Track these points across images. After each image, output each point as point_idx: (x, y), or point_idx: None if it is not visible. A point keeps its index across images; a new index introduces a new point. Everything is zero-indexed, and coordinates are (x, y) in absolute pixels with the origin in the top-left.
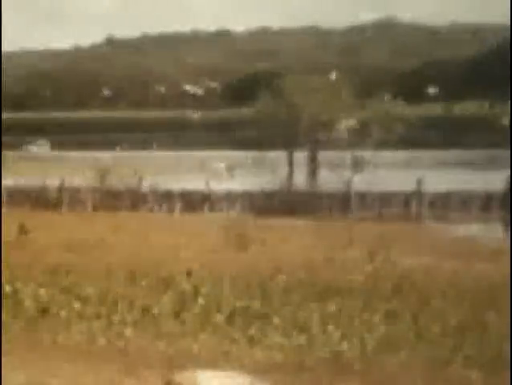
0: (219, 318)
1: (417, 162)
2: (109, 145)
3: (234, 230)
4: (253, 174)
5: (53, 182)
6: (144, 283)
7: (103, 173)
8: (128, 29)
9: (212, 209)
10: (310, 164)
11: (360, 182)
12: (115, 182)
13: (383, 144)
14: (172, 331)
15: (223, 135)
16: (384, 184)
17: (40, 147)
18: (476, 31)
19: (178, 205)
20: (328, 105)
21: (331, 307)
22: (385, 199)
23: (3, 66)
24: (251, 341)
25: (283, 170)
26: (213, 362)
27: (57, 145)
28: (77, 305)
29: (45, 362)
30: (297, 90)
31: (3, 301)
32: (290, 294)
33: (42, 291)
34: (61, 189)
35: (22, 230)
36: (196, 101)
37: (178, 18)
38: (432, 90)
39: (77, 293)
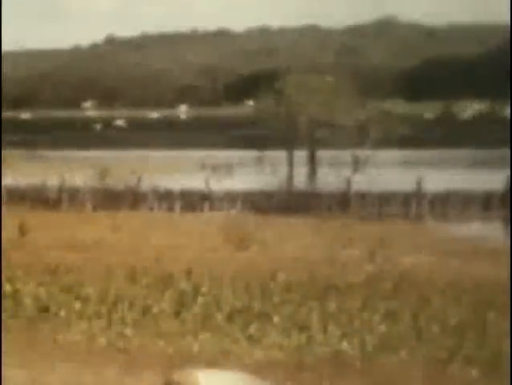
0: (219, 317)
1: (417, 161)
2: (109, 145)
3: (234, 230)
4: (253, 173)
5: (53, 182)
6: (143, 283)
7: (102, 173)
8: (128, 28)
9: (212, 209)
10: (310, 163)
11: (360, 181)
12: (115, 182)
13: (383, 144)
14: (172, 331)
15: (223, 134)
16: (383, 184)
17: None
18: (475, 31)
19: (178, 205)
20: (328, 105)
21: (331, 306)
22: (385, 198)
23: (3, 65)
24: (251, 340)
25: (283, 169)
26: (213, 362)
27: (57, 144)
28: (77, 304)
29: (45, 361)
30: (297, 89)
31: (3, 301)
32: (290, 294)
33: (42, 291)
34: (61, 189)
35: (22, 230)
36: (196, 100)
37: (178, 18)
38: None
39: (77, 293)
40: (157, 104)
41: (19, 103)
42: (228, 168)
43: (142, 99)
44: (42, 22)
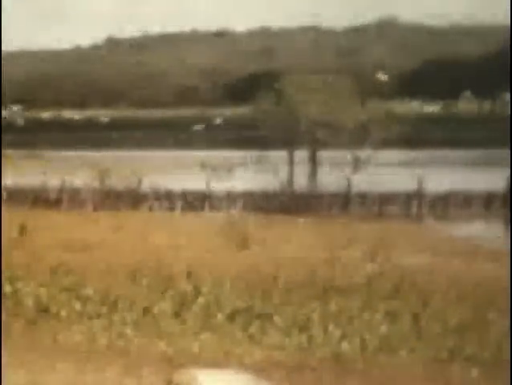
0: (219, 317)
1: (418, 161)
2: (109, 145)
3: (235, 230)
4: (253, 174)
5: (53, 182)
6: (144, 283)
7: (103, 173)
8: (128, 29)
9: (212, 209)
10: (311, 163)
11: (361, 181)
12: (116, 182)
13: (383, 144)
14: (172, 331)
15: (223, 134)
16: (384, 184)
17: None
18: (476, 31)
19: (179, 205)
20: (328, 105)
21: (332, 307)
22: (386, 198)
23: (3, 66)
24: (252, 340)
25: (283, 170)
26: (214, 362)
27: (57, 144)
28: (77, 304)
29: (45, 361)
30: (297, 90)
31: (3, 301)
32: (291, 294)
33: (42, 291)
34: (61, 189)
35: (23, 230)
36: (196, 100)
37: (178, 18)
38: None
39: (77, 293)
40: (158, 104)
41: (19, 104)
42: (228, 168)
43: (142, 99)
44: (43, 22)
